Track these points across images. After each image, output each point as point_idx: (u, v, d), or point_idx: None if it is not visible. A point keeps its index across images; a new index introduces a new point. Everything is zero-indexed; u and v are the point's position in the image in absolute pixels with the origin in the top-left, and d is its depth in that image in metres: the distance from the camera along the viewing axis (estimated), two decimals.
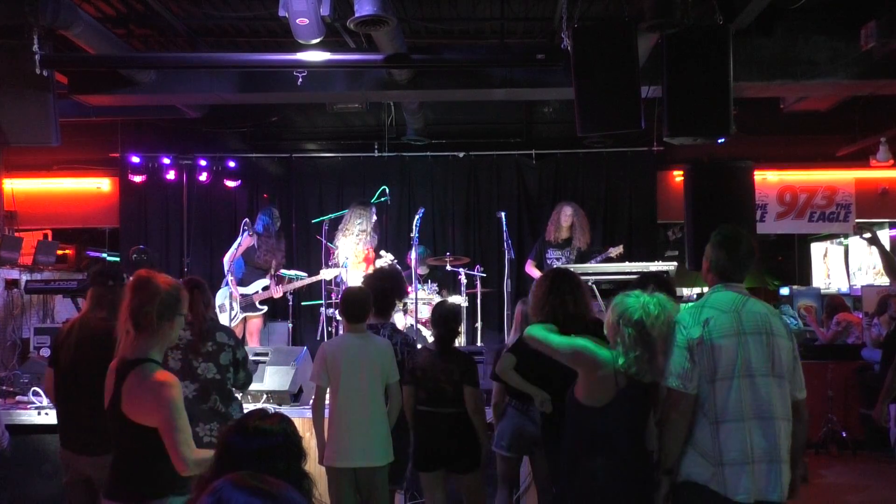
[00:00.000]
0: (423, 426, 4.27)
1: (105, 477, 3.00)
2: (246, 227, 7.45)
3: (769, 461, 2.92)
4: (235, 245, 7.56)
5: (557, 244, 7.70)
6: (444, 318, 4.38)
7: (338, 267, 7.50)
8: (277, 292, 7.62)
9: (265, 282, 7.58)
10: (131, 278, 3.01)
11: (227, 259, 7.57)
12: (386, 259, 7.55)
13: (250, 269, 7.62)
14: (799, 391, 3.07)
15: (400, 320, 7.14)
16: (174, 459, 2.74)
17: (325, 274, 7.53)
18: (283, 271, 7.87)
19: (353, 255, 7.50)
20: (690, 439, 3.00)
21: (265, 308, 7.65)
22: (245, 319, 7.56)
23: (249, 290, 7.51)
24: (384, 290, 4.58)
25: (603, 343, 3.21)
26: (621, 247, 7.75)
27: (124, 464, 2.90)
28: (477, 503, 4.31)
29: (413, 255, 7.31)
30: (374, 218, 7.71)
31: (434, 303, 7.66)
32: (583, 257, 7.63)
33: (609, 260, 7.59)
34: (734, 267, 3.12)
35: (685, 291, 7.93)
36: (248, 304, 7.51)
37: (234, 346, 4.22)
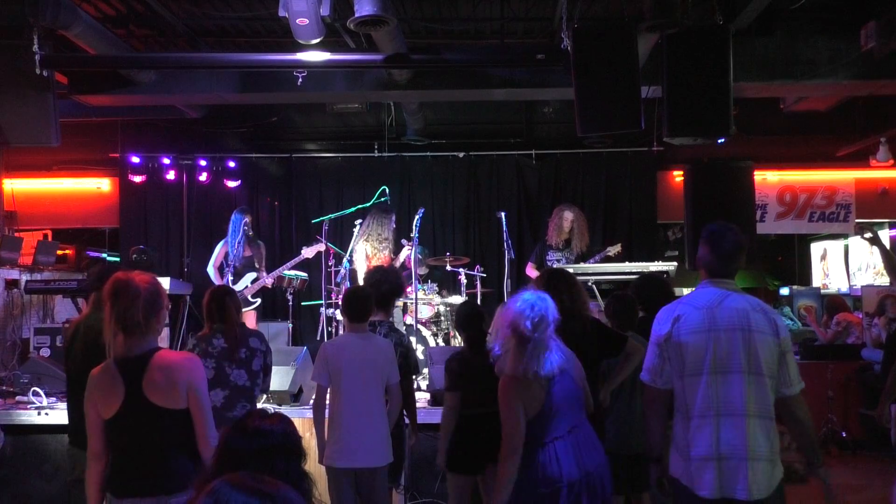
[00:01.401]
0: (477, 429, 4.16)
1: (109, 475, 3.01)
2: (246, 227, 7.55)
3: (739, 458, 2.89)
4: (215, 254, 7.71)
5: (558, 247, 7.71)
6: (469, 320, 4.37)
7: (320, 243, 7.54)
8: (269, 281, 7.67)
9: (253, 275, 7.62)
10: (108, 284, 3.02)
11: (212, 268, 7.65)
12: (408, 248, 7.56)
13: (235, 269, 7.66)
14: (787, 387, 3.01)
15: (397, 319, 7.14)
16: (201, 439, 2.83)
17: (307, 252, 7.59)
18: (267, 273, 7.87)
19: (366, 257, 7.52)
20: (671, 434, 3.08)
21: (258, 301, 7.67)
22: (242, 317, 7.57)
23: (239, 286, 7.53)
24: (382, 288, 4.58)
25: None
26: (619, 245, 7.77)
27: (146, 457, 2.91)
28: None
29: (412, 255, 7.31)
30: (393, 225, 7.72)
31: (434, 303, 7.71)
32: (582, 258, 7.64)
33: (608, 258, 7.60)
34: (719, 262, 3.11)
35: (685, 291, 7.92)
36: (241, 301, 7.52)
37: (265, 352, 4.26)
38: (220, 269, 7.70)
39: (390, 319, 4.73)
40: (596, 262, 7.51)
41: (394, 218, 7.69)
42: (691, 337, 2.96)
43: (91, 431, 2.98)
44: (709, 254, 3.12)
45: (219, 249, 7.71)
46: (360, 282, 7.35)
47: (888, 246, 6.95)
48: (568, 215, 7.68)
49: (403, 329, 7.21)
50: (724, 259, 3.11)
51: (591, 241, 7.91)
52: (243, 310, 7.46)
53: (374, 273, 4.86)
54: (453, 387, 4.19)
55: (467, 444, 4.20)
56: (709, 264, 3.13)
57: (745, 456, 2.90)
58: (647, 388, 3.15)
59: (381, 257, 7.48)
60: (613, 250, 7.66)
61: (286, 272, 7.85)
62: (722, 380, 2.93)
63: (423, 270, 8.13)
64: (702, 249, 3.16)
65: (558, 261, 7.61)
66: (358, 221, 7.72)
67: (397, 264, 7.51)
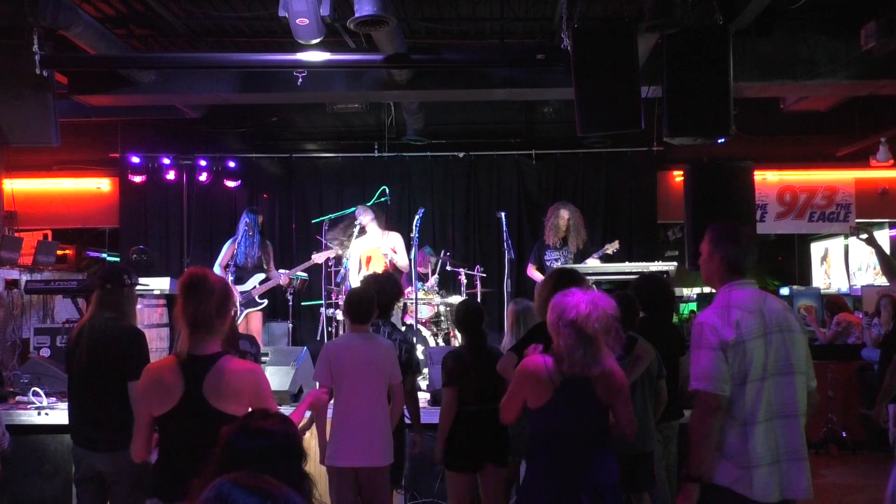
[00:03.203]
0: (473, 426, 4.21)
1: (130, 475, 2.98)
2: (246, 227, 7.58)
3: (797, 459, 2.91)
4: (222, 253, 7.68)
5: (556, 247, 7.70)
6: (469, 318, 4.37)
7: (330, 249, 7.55)
8: (285, 279, 7.68)
9: (261, 276, 7.61)
10: (184, 278, 2.98)
11: (218, 268, 7.63)
12: (388, 258, 7.60)
13: (241, 268, 7.65)
14: (813, 380, 3.08)
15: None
16: None
17: (317, 257, 7.59)
18: (283, 271, 7.88)
19: (364, 255, 7.54)
20: (720, 441, 2.96)
21: (265, 301, 7.66)
22: (247, 318, 7.56)
23: (247, 286, 7.52)
24: (382, 292, 4.58)
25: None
26: (616, 243, 7.74)
27: (198, 459, 2.84)
28: (499, 496, 4.31)
29: (414, 254, 7.31)
30: (369, 215, 7.71)
31: (434, 303, 7.72)
32: (581, 255, 7.63)
33: (606, 256, 7.59)
34: (743, 257, 3.07)
35: (685, 291, 7.93)
36: (248, 301, 7.52)
37: (255, 354, 4.27)
38: (227, 269, 7.68)
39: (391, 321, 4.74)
40: (594, 259, 7.50)
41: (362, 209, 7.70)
42: (754, 342, 2.92)
43: (139, 429, 2.94)
44: (734, 249, 3.06)
45: (226, 249, 7.67)
46: (353, 276, 7.40)
47: (888, 246, 6.96)
48: (564, 213, 7.66)
49: (403, 329, 7.23)
50: (748, 253, 3.09)
51: (588, 238, 7.91)
52: (251, 310, 7.51)
53: (373, 280, 4.85)
54: (449, 382, 4.23)
55: (464, 441, 4.22)
56: (736, 262, 3.07)
57: (803, 455, 2.92)
58: (708, 398, 2.88)
59: (377, 249, 7.51)
60: (611, 248, 7.65)
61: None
62: (776, 382, 2.92)
63: (425, 269, 8.15)
64: (722, 247, 3.08)
65: (557, 260, 7.60)
66: (358, 222, 7.71)
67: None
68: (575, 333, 3.10)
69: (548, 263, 7.56)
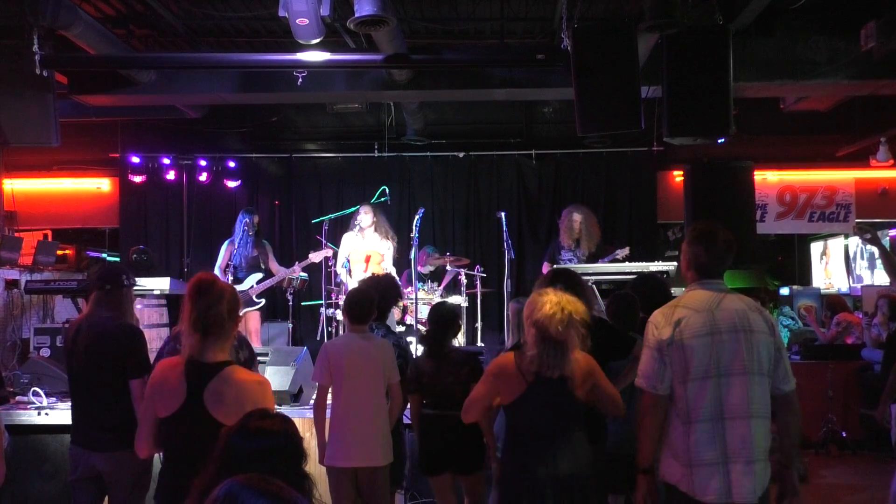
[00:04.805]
0: (429, 430, 4.23)
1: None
2: (246, 227, 7.56)
3: (745, 461, 2.87)
4: (220, 255, 7.70)
5: (570, 248, 7.72)
6: (435, 320, 4.38)
7: (328, 249, 7.57)
8: (287, 276, 7.69)
9: (258, 275, 7.61)
10: (192, 282, 2.95)
11: (218, 270, 7.64)
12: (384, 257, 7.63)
13: (238, 269, 7.66)
14: (786, 384, 3.02)
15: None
16: None
17: (314, 257, 7.61)
18: (282, 269, 7.88)
19: (363, 254, 7.56)
20: (666, 440, 3.00)
21: (263, 301, 7.66)
22: (245, 318, 7.55)
23: (244, 286, 7.52)
24: (382, 296, 4.57)
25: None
26: (627, 248, 7.74)
27: (196, 467, 2.85)
28: (478, 502, 4.30)
29: (413, 254, 7.31)
30: (365, 216, 7.73)
31: (434, 303, 7.71)
32: (593, 258, 7.64)
33: (616, 261, 7.60)
34: (712, 262, 3.07)
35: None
36: (245, 301, 7.52)
37: (237, 348, 4.24)
38: (227, 270, 7.69)
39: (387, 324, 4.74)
40: (605, 263, 7.51)
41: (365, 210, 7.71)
42: (695, 341, 2.92)
43: (142, 424, 2.94)
44: (703, 253, 3.07)
45: (224, 250, 7.70)
46: (343, 272, 7.41)
47: (888, 246, 6.95)
48: (577, 217, 7.68)
49: (402, 329, 7.23)
50: (718, 258, 3.07)
51: (599, 240, 7.90)
52: (248, 310, 7.50)
53: (374, 282, 4.85)
54: (409, 390, 4.27)
55: (429, 444, 4.24)
56: (703, 265, 3.08)
57: (751, 458, 2.88)
58: (645, 395, 3.01)
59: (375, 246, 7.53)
60: (622, 253, 7.64)
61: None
62: (726, 382, 2.90)
63: (427, 269, 8.15)
64: (693, 249, 3.10)
65: (570, 260, 7.62)
66: (358, 222, 7.71)
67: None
68: (538, 333, 3.16)
69: (561, 263, 7.59)
